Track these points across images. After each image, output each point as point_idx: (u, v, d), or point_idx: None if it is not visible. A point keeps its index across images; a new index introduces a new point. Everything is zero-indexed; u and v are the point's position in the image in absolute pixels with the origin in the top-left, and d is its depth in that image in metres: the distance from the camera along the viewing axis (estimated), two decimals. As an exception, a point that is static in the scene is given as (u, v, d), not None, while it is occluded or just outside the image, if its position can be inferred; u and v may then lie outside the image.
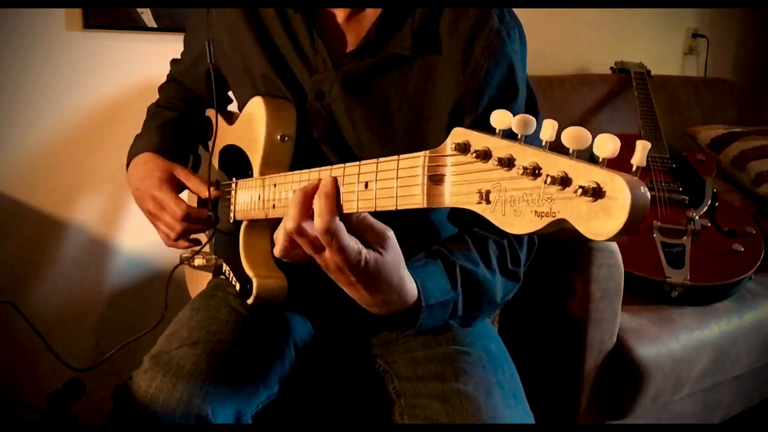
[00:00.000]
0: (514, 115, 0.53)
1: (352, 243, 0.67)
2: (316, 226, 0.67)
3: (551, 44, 2.19)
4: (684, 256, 1.57)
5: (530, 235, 0.53)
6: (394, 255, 0.71)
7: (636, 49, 2.37)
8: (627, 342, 1.42)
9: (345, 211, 0.69)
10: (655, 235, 1.61)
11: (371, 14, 0.92)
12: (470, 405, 0.84)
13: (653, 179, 1.79)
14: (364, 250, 0.68)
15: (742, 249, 1.63)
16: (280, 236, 0.72)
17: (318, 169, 0.74)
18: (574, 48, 2.28)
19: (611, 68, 2.25)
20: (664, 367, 1.43)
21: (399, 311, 0.76)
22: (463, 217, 0.58)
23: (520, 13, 0.95)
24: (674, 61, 2.57)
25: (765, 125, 2.23)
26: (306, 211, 0.69)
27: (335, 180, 0.69)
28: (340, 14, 0.94)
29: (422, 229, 1.00)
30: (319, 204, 0.67)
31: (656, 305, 1.54)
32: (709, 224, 1.68)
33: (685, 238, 1.62)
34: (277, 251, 0.74)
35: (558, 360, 1.47)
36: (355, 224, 0.69)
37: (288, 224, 0.70)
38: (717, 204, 1.78)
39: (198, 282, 1.21)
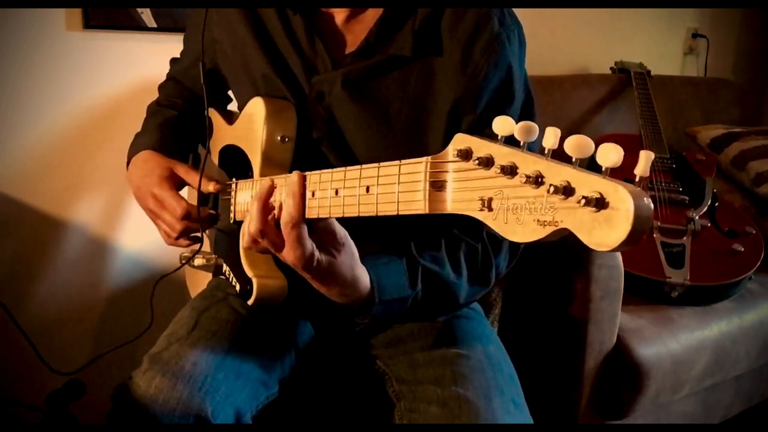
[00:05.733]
0: (511, 118, 0.53)
1: (308, 244, 0.73)
2: (283, 219, 0.73)
3: (551, 44, 2.19)
4: (684, 256, 1.57)
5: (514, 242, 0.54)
6: (347, 257, 0.78)
7: (636, 49, 2.36)
8: (627, 342, 1.42)
9: (347, 215, 0.70)
10: (655, 235, 1.61)
11: (371, 15, 0.92)
12: (469, 410, 0.85)
13: (653, 179, 1.79)
14: (317, 253, 0.74)
15: (742, 249, 1.63)
16: (245, 232, 0.78)
17: (318, 171, 0.74)
18: (574, 48, 2.28)
19: (611, 68, 2.25)
20: (664, 367, 1.43)
21: (356, 301, 0.83)
22: (443, 217, 0.59)
23: (519, 12, 0.95)
24: (674, 61, 2.56)
25: (765, 125, 2.23)
26: (265, 216, 0.76)
27: (302, 179, 0.74)
28: (340, 15, 0.93)
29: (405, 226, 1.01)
30: (286, 203, 0.73)
31: (656, 305, 1.54)
32: (709, 224, 1.68)
33: (685, 238, 1.62)
34: (243, 244, 0.80)
35: (558, 360, 1.48)
36: (321, 227, 0.75)
37: (251, 228, 0.76)
38: (717, 204, 1.78)
39: (198, 282, 1.20)
